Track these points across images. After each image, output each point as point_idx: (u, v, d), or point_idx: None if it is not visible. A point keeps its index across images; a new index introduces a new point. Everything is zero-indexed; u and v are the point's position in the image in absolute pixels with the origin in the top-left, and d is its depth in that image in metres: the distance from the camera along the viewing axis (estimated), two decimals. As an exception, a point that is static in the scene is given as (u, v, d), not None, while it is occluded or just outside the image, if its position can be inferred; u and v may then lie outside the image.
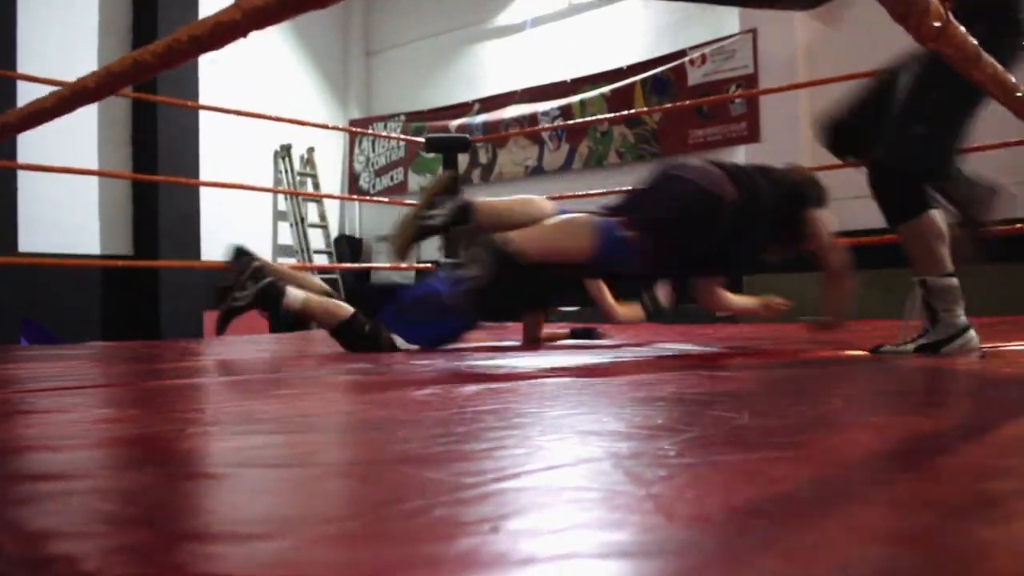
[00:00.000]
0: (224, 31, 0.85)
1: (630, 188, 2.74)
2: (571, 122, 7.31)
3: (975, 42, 0.96)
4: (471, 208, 2.51)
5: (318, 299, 2.67)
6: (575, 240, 2.36)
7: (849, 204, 6.06)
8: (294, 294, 2.58)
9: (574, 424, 1.00)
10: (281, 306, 2.55)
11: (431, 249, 8.25)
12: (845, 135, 2.30)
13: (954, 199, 2.09)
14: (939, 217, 2.04)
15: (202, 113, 7.11)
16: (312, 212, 8.67)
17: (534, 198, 2.65)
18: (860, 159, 2.28)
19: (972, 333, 1.99)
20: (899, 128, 2.01)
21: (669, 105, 6.65)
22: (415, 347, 2.67)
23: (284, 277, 2.68)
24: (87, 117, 6.60)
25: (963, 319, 1.99)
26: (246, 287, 2.52)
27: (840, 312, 2.57)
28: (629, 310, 3.09)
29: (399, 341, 2.65)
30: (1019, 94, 1.10)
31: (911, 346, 2.02)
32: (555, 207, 2.57)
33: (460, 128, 8.11)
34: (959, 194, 2.08)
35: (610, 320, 3.11)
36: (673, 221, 2.41)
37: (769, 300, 3.03)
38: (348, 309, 2.67)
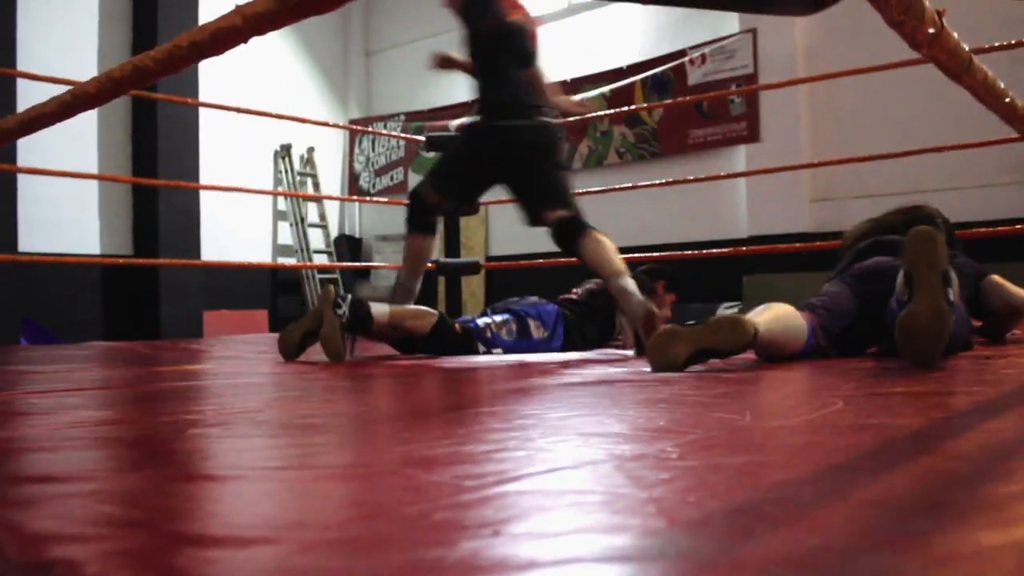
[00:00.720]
0: (225, 37, 0.85)
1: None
2: (571, 119, 7.30)
3: (967, 48, 0.96)
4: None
5: (402, 308, 2.71)
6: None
7: (849, 204, 6.07)
8: (379, 309, 2.61)
9: (576, 426, 1.00)
10: (372, 327, 2.57)
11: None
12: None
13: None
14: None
15: (202, 112, 7.11)
16: (312, 212, 8.67)
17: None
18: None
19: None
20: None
21: (668, 101, 6.65)
22: (498, 350, 2.71)
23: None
24: (87, 115, 6.58)
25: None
26: (340, 305, 2.53)
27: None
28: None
29: (481, 347, 2.71)
30: (1007, 100, 1.10)
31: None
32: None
33: (460, 128, 8.11)
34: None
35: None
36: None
37: None
38: (434, 313, 2.71)
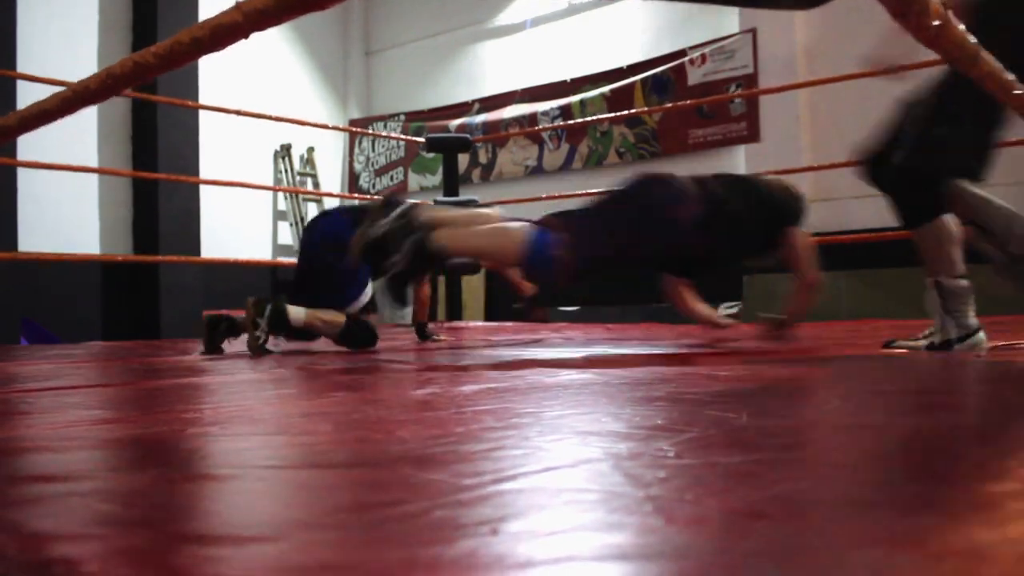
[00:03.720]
0: (225, 33, 0.85)
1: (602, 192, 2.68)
2: (571, 122, 7.31)
3: (974, 40, 0.96)
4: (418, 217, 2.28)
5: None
6: (503, 245, 2.30)
7: (849, 204, 6.06)
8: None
9: (573, 424, 1.00)
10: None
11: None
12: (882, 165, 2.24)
13: (993, 232, 2.12)
14: (952, 221, 2.09)
15: (202, 113, 7.11)
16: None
17: (485, 212, 2.53)
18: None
19: (982, 335, 2.06)
20: (921, 132, 2.06)
21: (669, 105, 6.65)
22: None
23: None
24: (87, 117, 6.60)
25: (974, 320, 2.03)
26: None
27: (797, 317, 2.74)
28: (709, 312, 3.10)
29: None
30: (1018, 92, 1.10)
31: (923, 343, 2.10)
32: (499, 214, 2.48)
33: (460, 128, 8.10)
34: (998, 226, 2.11)
35: (697, 322, 3.13)
36: (608, 240, 2.36)
37: (723, 320, 3.06)
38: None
